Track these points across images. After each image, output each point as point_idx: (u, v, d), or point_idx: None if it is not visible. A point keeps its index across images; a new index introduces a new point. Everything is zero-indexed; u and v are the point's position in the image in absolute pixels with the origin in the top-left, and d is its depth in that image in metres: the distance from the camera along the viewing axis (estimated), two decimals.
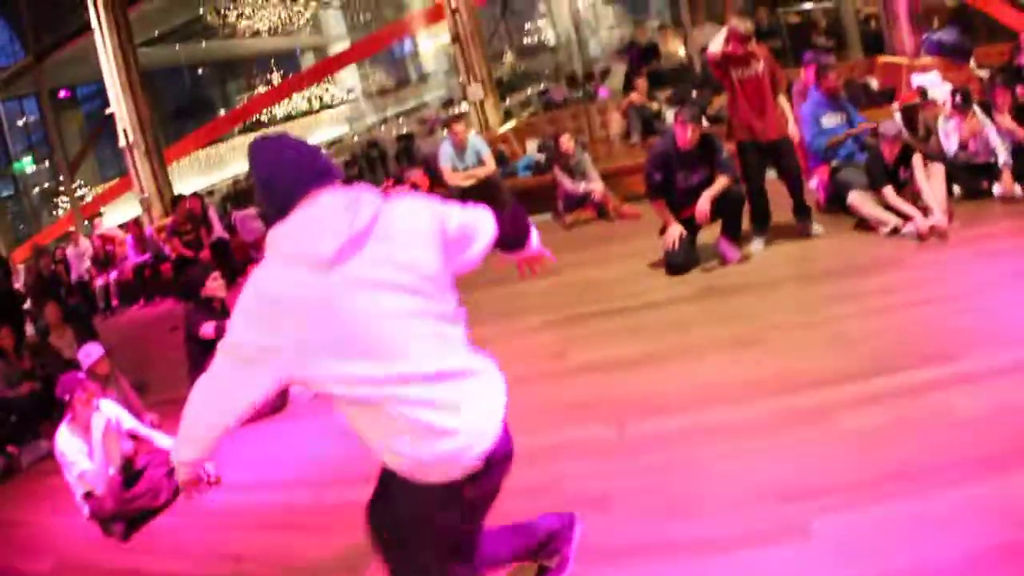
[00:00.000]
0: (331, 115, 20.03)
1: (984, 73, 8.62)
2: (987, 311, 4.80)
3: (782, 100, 6.68)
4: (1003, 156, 6.78)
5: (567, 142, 8.54)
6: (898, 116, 7.74)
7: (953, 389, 3.88)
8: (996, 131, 6.93)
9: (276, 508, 4.13)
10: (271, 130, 17.09)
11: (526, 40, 19.53)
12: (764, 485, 3.35)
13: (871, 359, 4.20)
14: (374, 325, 2.12)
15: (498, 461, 2.27)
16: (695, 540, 3.10)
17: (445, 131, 9.40)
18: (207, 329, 5.20)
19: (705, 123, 7.58)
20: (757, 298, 5.47)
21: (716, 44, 6.33)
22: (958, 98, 6.95)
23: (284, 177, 2.20)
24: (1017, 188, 6.68)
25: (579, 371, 4.83)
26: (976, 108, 7.00)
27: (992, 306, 4.87)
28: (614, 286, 6.41)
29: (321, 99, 20.00)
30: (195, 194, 10.26)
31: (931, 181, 6.50)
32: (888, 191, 6.43)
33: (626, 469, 3.69)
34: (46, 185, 19.74)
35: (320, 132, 18.89)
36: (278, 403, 5.02)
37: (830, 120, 7.08)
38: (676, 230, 6.33)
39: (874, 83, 10.01)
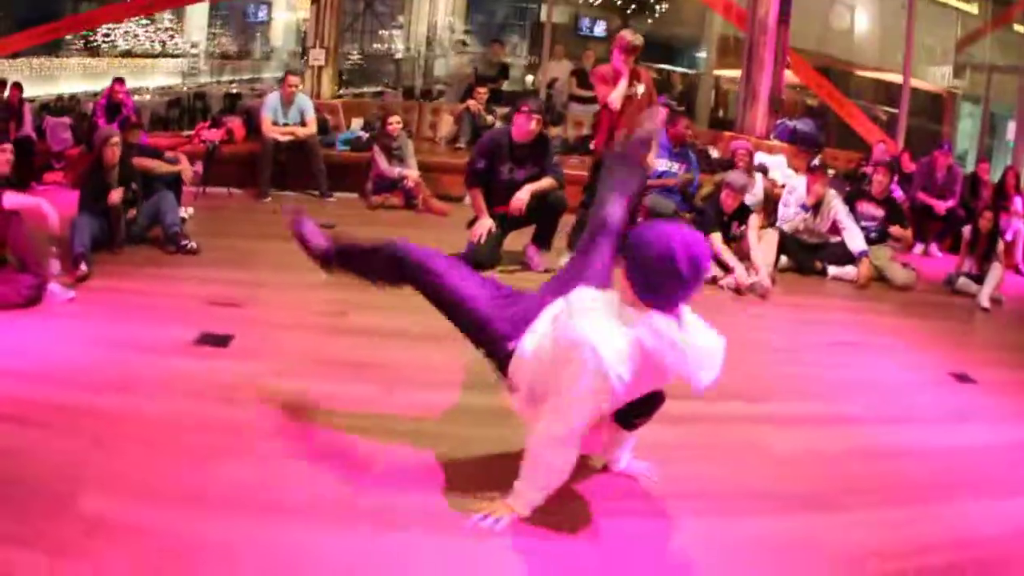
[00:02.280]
0: (169, 64, 19.33)
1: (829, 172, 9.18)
2: (802, 364, 5.11)
3: None
4: (860, 244, 7.28)
5: (395, 123, 8.64)
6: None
7: (760, 427, 4.01)
8: (847, 215, 7.43)
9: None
10: (108, 60, 16.64)
11: (375, 45, 19.52)
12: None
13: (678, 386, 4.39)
14: None
15: None
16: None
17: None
18: None
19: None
20: None
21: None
22: (816, 161, 7.38)
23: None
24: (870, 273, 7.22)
25: (358, 333, 4.83)
26: (830, 190, 7.49)
27: (807, 360, 5.19)
28: None
29: (164, 44, 19.25)
30: (16, 84, 9.69)
31: (762, 243, 6.87)
32: (716, 237, 6.73)
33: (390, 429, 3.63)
34: None
35: (154, 78, 18.20)
36: (33, 296, 4.82)
37: (664, 164, 7.34)
38: (486, 223, 6.28)
39: (715, 152, 10.45)
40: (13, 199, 5.00)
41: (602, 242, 3.32)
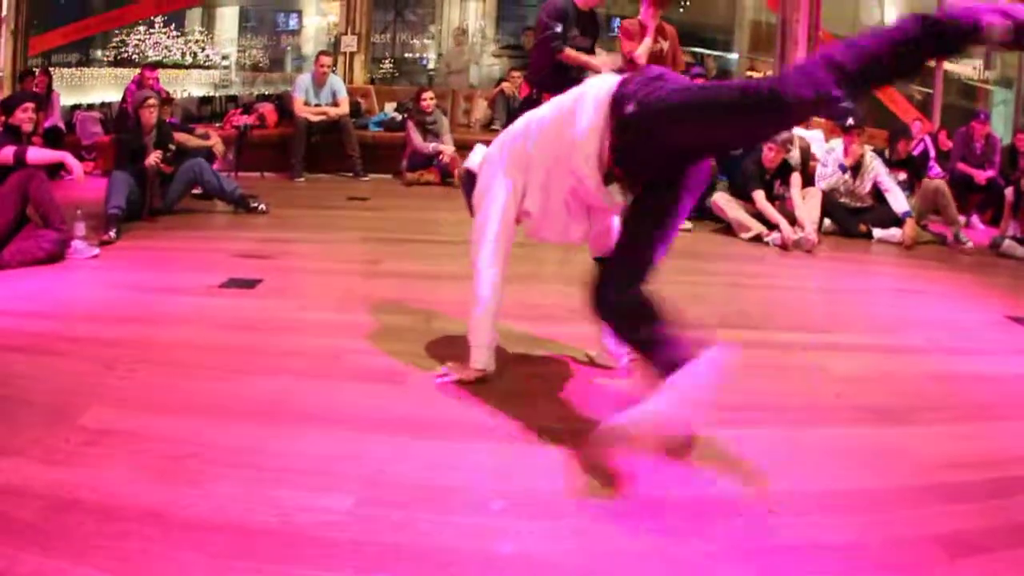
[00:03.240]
0: (200, 75, 19.39)
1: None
2: (853, 304, 4.92)
3: None
4: (904, 205, 6.95)
5: (429, 99, 8.42)
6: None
7: (823, 352, 3.85)
8: (888, 176, 7.15)
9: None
10: (138, 71, 16.71)
11: (407, 55, 19.49)
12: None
13: (737, 315, 4.14)
14: None
15: None
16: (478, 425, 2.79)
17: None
18: (5, 153, 4.81)
19: None
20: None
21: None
22: (850, 121, 7.08)
23: None
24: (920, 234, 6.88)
25: (391, 275, 4.64)
26: (869, 151, 7.22)
27: (860, 302, 5.00)
28: (442, 224, 6.24)
29: (195, 55, 19.31)
30: (46, 70, 9.59)
31: (807, 201, 6.59)
32: (759, 195, 6.48)
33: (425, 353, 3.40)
34: None
35: (188, 86, 18.26)
36: (55, 252, 4.63)
37: None
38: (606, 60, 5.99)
39: None
40: (37, 153, 4.89)
41: None
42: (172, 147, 5.97)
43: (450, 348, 3.37)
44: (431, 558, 1.97)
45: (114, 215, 5.28)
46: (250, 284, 4.21)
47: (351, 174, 8.52)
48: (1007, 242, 6.94)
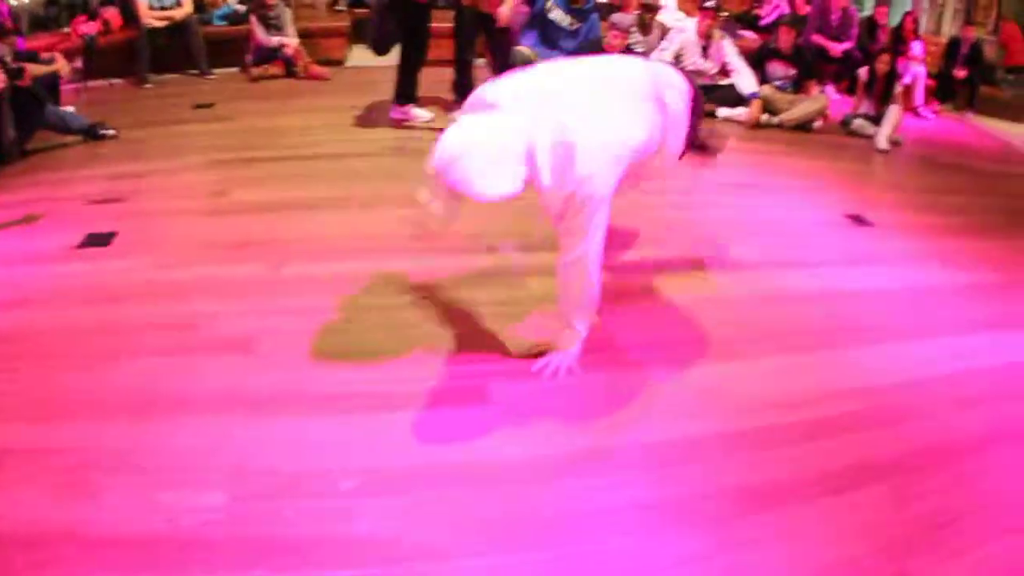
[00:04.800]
0: None
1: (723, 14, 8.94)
2: (696, 208, 5.11)
3: None
4: (751, 86, 7.28)
5: None
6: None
7: (665, 275, 4.05)
8: (737, 56, 7.40)
9: None
10: None
11: None
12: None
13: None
14: None
15: None
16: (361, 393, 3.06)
17: None
18: None
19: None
20: None
21: None
22: (709, 3, 7.28)
23: None
24: (765, 117, 7.26)
25: (239, 210, 4.77)
26: (717, 31, 7.46)
27: (701, 203, 5.18)
28: (288, 135, 6.36)
29: None
30: None
31: None
32: None
33: (277, 309, 3.62)
34: None
35: None
36: None
37: (561, 18, 7.15)
38: None
39: None
40: None
41: None
42: (11, 62, 5.90)
43: (293, 297, 3.68)
44: (298, 547, 2.27)
45: None
46: (105, 241, 4.33)
47: (197, 72, 8.55)
48: (858, 120, 7.40)
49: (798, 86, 7.75)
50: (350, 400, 2.97)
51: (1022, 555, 2.45)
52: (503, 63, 6.46)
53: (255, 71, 8.44)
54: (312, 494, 2.50)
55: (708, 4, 7.31)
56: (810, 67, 7.83)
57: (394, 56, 6.36)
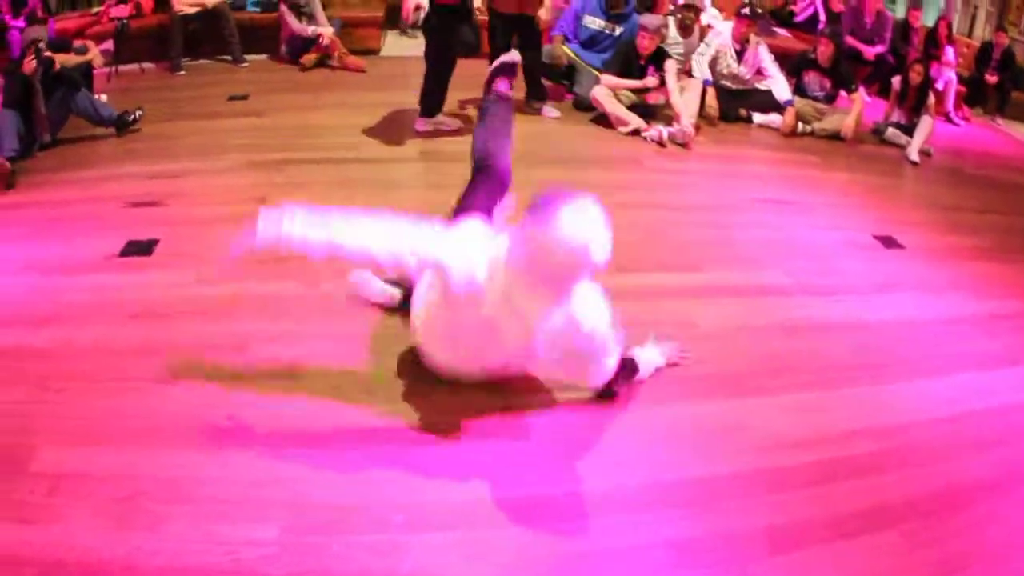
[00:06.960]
0: None
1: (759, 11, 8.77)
2: (724, 228, 5.09)
3: None
4: (785, 93, 7.23)
5: None
6: (671, 20, 7.89)
7: (691, 301, 4.08)
8: (772, 62, 7.35)
9: None
10: None
11: None
12: None
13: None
14: None
15: None
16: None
17: None
18: None
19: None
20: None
21: None
22: (745, 10, 7.26)
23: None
24: (800, 126, 7.21)
25: None
26: (754, 36, 7.40)
27: (730, 223, 5.18)
28: (324, 134, 6.37)
29: None
30: None
31: (686, 93, 6.83)
32: (608, 77, 6.76)
33: (319, 332, 3.65)
34: None
35: None
36: None
37: (593, 23, 7.24)
38: None
39: None
40: None
41: (481, 184, 3.60)
42: (43, 49, 5.93)
43: (334, 318, 3.68)
44: None
45: (10, 159, 5.37)
46: (147, 249, 4.35)
47: (230, 59, 8.58)
48: (890, 130, 7.35)
49: (832, 99, 7.68)
50: (388, 434, 3.02)
51: None
52: (534, 62, 6.63)
53: (305, 61, 8.47)
54: (361, 529, 2.56)
55: (744, 11, 7.27)
56: (845, 80, 7.70)
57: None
